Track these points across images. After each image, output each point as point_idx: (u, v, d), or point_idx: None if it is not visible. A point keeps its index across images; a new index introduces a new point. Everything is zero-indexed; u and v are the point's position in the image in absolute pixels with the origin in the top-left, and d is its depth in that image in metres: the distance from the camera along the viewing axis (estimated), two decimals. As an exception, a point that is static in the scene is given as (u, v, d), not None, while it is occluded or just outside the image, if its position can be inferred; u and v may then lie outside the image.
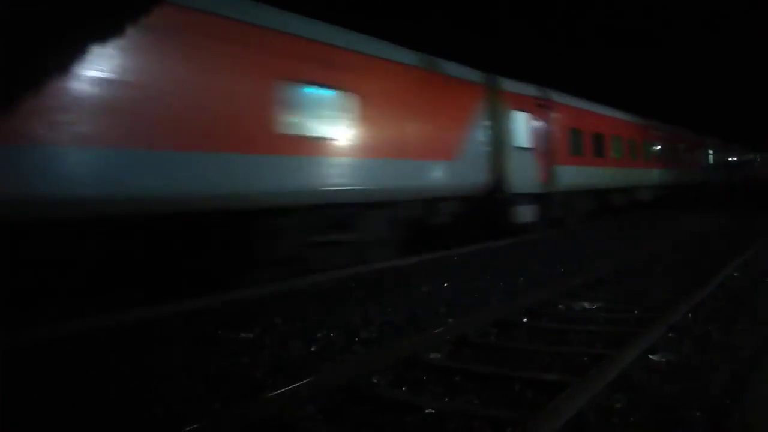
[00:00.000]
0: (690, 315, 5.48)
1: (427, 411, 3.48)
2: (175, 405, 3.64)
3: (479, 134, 11.71)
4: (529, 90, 13.75)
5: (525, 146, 13.06)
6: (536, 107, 13.67)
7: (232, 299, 6.47)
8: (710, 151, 31.47)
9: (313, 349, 4.81)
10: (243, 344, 4.96)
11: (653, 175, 22.34)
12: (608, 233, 13.76)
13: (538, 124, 13.68)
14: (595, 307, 6.16)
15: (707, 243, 11.28)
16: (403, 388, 3.96)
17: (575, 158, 15.41)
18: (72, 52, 5.42)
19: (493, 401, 3.65)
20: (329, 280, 7.69)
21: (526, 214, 12.87)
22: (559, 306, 6.22)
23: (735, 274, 7.52)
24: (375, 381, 4.01)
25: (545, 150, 13.87)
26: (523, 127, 13.08)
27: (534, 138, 13.45)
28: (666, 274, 7.94)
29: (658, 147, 23.08)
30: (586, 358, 4.33)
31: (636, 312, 5.79)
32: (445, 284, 7.37)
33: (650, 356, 4.34)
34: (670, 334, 4.87)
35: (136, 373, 4.18)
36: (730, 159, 37.41)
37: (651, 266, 8.53)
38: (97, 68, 5.66)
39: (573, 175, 15.05)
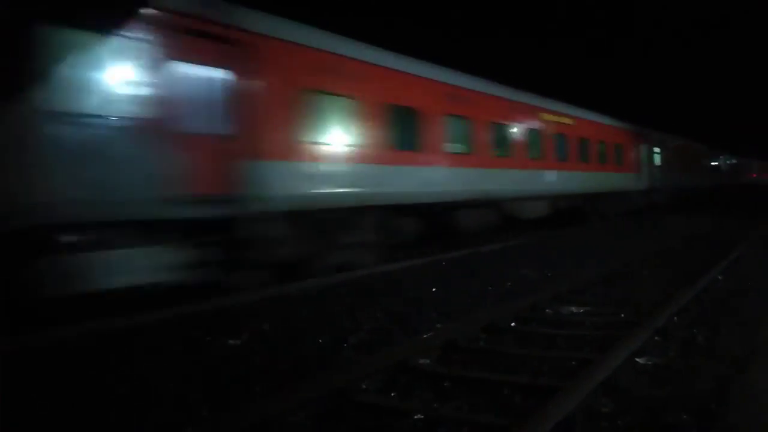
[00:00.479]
0: (675, 318, 5.56)
1: (416, 417, 3.47)
2: (162, 412, 3.60)
3: None
4: None
5: (96, 114, 5.86)
6: (178, 34, 6.53)
7: (221, 305, 6.42)
8: (656, 150, 23.69)
9: (301, 354, 4.78)
10: (231, 351, 4.92)
11: (546, 179, 14.67)
12: (593, 236, 13.88)
13: (183, 70, 6.59)
14: (582, 311, 6.21)
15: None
16: (392, 394, 3.95)
17: (324, 149, 8.33)
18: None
19: (482, 406, 3.66)
20: (318, 285, 7.65)
21: (99, 270, 5.83)
22: (547, 310, 6.25)
23: (720, 277, 7.64)
24: (364, 387, 4.00)
25: (216, 127, 6.89)
26: (99, 68, 5.91)
27: (162, 98, 6.33)
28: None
29: (561, 140, 15.49)
30: (574, 362, 4.35)
31: (623, 315, 5.85)
32: (434, 289, 7.38)
33: (637, 359, 4.38)
34: (656, 338, 4.92)
35: (124, 381, 4.12)
36: (692, 162, 30.42)
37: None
38: None
39: (318, 179, 8.21)
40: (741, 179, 47.35)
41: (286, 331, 5.48)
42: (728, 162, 42.69)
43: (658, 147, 24.07)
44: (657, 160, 23.81)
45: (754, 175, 55.24)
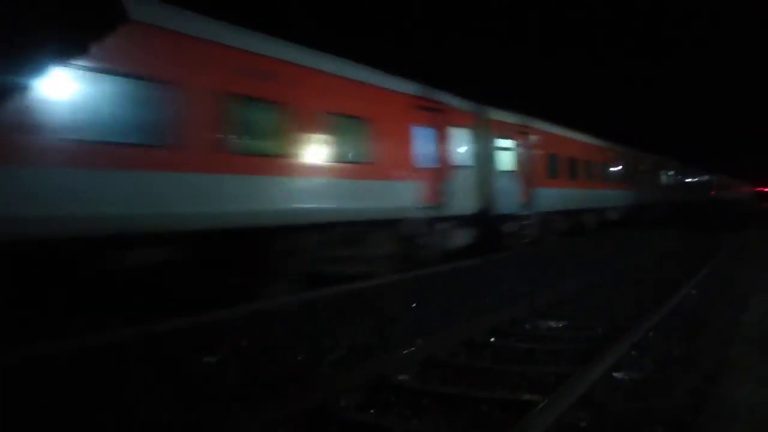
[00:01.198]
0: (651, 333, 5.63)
1: (394, 433, 3.44)
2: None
3: None
4: None
5: None
6: None
7: (198, 322, 6.30)
8: (506, 144, 13.86)
9: (279, 371, 4.72)
10: (207, 368, 4.83)
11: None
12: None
13: None
14: (560, 325, 6.25)
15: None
16: (371, 411, 3.91)
17: None
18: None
19: (461, 422, 3.64)
20: (297, 301, 7.57)
21: None
22: (526, 325, 6.28)
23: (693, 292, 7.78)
24: (343, 404, 3.95)
25: None
26: None
27: None
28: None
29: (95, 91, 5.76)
30: (552, 377, 4.37)
31: (600, 330, 5.90)
32: (414, 304, 7.36)
33: (614, 374, 4.42)
34: (633, 352, 4.97)
35: (96, 399, 4.01)
36: (610, 174, 20.93)
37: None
38: None
39: None
40: (698, 198, 38.30)
41: (264, 347, 5.40)
42: (681, 177, 33.23)
43: (515, 140, 14.17)
44: (509, 162, 13.94)
45: (713, 192, 47.50)
